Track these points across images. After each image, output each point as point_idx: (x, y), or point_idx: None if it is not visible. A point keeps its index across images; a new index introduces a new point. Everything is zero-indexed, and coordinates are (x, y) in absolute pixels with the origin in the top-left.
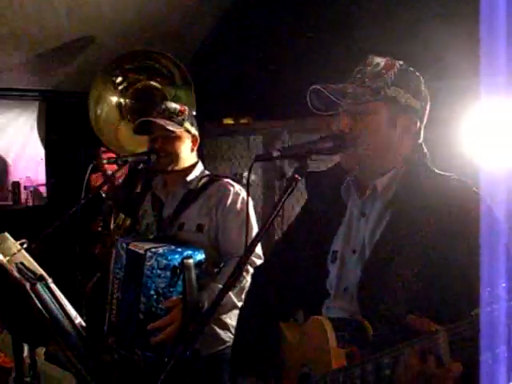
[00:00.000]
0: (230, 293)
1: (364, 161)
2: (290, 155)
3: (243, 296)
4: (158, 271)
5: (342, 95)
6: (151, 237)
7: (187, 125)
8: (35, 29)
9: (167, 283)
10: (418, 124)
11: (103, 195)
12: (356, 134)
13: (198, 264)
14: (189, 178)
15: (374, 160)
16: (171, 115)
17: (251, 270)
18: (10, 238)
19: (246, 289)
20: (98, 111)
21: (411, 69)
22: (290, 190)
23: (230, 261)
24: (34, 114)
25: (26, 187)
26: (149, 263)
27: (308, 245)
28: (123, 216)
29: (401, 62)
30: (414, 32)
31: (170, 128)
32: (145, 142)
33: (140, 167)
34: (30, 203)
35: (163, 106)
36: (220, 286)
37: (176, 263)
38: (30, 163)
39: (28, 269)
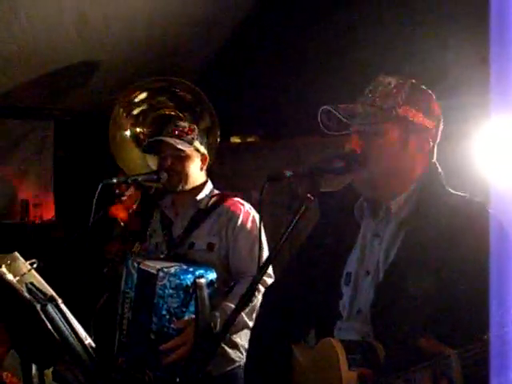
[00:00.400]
0: (242, 313)
1: (376, 182)
2: (303, 175)
3: (254, 315)
4: (171, 291)
5: (353, 116)
6: (162, 256)
7: (197, 144)
8: (44, 47)
9: (179, 303)
10: (431, 143)
11: (121, 223)
12: (368, 154)
13: (210, 283)
14: (198, 198)
15: (387, 181)
16: (180, 134)
17: (262, 289)
18: (20, 257)
19: (257, 309)
20: (116, 136)
21: (423, 87)
22: (302, 209)
23: (241, 280)
24: (43, 133)
25: (34, 205)
26: (161, 283)
27: (321, 266)
28: (140, 245)
29: (413, 81)
30: (424, 50)
31: (180, 147)
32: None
33: (152, 192)
34: (39, 221)
35: (173, 126)
36: (232, 305)
37: (188, 283)
38: (38, 182)
39: (38, 289)
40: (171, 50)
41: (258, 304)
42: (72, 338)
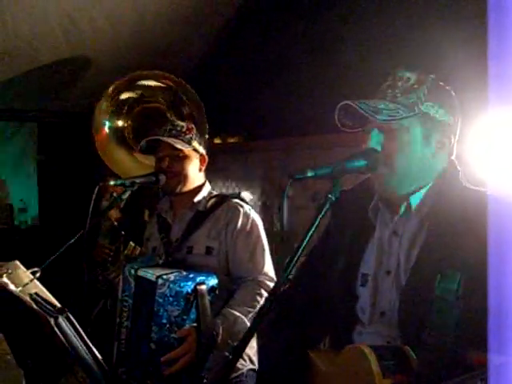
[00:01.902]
0: (245, 319)
1: (399, 181)
2: (325, 174)
3: None
4: (171, 299)
5: (376, 112)
6: (160, 261)
7: (195, 144)
8: (29, 48)
9: (180, 311)
10: (452, 139)
11: (114, 222)
12: (389, 151)
13: (211, 289)
14: (196, 200)
15: (409, 179)
16: (178, 134)
17: (265, 294)
18: (21, 266)
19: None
20: (102, 132)
21: (442, 83)
22: (325, 209)
23: (243, 284)
24: (26, 135)
25: (19, 209)
26: (160, 291)
27: (335, 268)
28: (133, 245)
29: (432, 76)
30: (420, 44)
31: (179, 147)
32: (146, 166)
33: (142, 191)
34: (23, 225)
35: (170, 125)
36: (233, 311)
37: (189, 290)
38: (22, 185)
39: (45, 300)
40: (159, 50)
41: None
42: (83, 351)
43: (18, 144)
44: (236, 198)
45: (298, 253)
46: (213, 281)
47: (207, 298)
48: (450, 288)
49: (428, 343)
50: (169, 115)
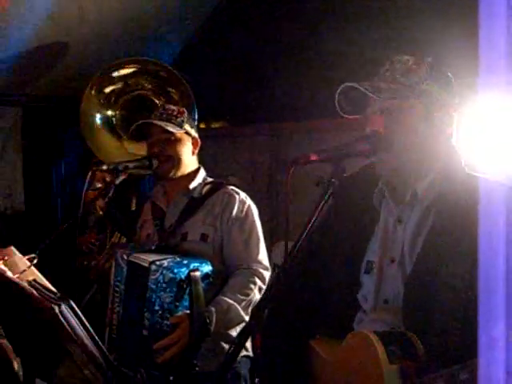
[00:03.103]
0: (238, 307)
1: (402, 165)
2: (328, 158)
3: (250, 310)
4: (164, 285)
5: (378, 91)
6: (153, 247)
7: (187, 127)
8: (15, 32)
9: (173, 298)
10: (453, 122)
11: (99, 211)
12: (393, 133)
13: (205, 276)
14: (191, 186)
15: (413, 162)
16: (170, 117)
17: (259, 282)
18: (17, 252)
19: (253, 302)
20: (88, 120)
21: (439, 65)
22: (328, 194)
23: (237, 272)
24: (11, 120)
25: (4, 195)
26: (153, 277)
27: (337, 255)
28: (117, 239)
29: (429, 59)
30: (409, 32)
31: (170, 129)
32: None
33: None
34: (9, 211)
35: (161, 109)
36: (226, 298)
37: (182, 276)
38: (7, 170)
39: (45, 288)
40: (145, 37)
41: (255, 298)
42: (86, 339)
43: (2, 129)
44: (232, 185)
45: (302, 238)
46: (207, 267)
47: (201, 285)
48: (457, 274)
49: (435, 328)
50: (157, 101)
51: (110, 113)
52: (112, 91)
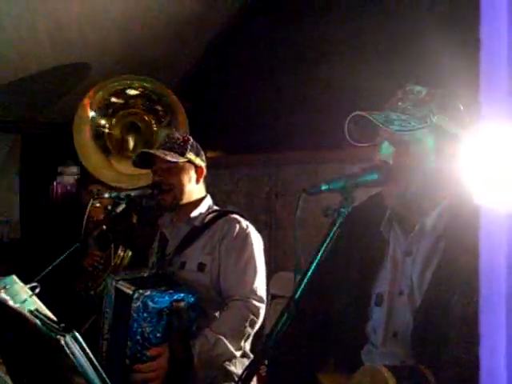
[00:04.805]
0: (226, 341)
1: (411, 196)
2: (338, 188)
3: (242, 343)
4: (145, 314)
5: (388, 122)
6: (145, 274)
7: (190, 155)
8: (15, 55)
9: (153, 328)
10: (462, 154)
11: (103, 226)
12: (402, 164)
13: (192, 307)
14: (193, 214)
15: (422, 195)
16: (172, 146)
17: (251, 315)
18: (18, 281)
19: (246, 336)
20: (83, 142)
21: (451, 96)
22: (338, 224)
23: (230, 304)
24: (8, 146)
25: (1, 222)
26: (135, 305)
27: (346, 284)
28: (121, 254)
29: (441, 90)
30: (413, 56)
31: (169, 159)
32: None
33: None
34: (5, 239)
35: (166, 138)
36: (213, 333)
37: (163, 306)
38: (4, 197)
39: (48, 318)
40: (145, 62)
41: (247, 331)
42: (91, 371)
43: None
44: (237, 213)
45: (311, 270)
46: (193, 298)
47: (185, 316)
48: (468, 304)
49: (448, 360)
50: (147, 119)
51: (103, 122)
52: (113, 103)
